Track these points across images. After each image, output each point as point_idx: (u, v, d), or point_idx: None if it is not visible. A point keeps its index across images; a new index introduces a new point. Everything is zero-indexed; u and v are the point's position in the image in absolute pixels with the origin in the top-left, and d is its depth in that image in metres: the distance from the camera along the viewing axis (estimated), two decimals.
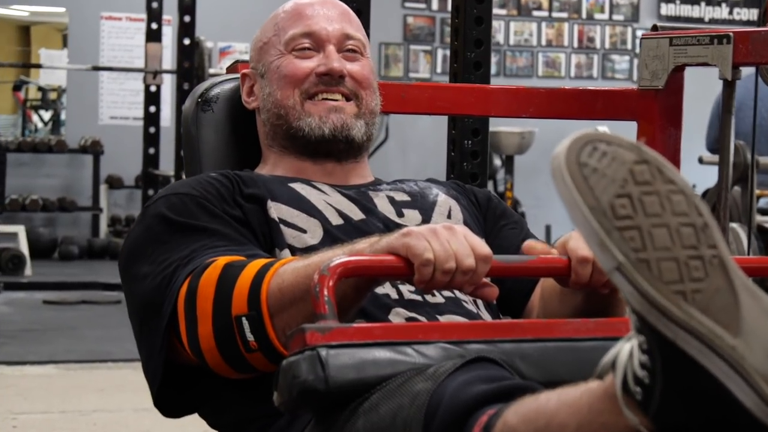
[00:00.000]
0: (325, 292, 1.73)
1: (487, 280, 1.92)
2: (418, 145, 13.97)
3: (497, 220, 2.53)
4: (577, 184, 1.25)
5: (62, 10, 13.60)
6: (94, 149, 13.15)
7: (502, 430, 1.46)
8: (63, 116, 13.91)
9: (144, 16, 10.79)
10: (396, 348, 1.76)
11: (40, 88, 14.46)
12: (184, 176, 2.66)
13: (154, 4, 10.59)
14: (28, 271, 10.81)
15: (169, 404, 2.23)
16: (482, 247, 1.87)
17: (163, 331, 2.09)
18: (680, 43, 2.73)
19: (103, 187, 13.21)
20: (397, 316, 2.16)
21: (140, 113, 11.19)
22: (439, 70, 15.25)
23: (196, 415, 2.39)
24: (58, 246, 12.69)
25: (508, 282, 2.27)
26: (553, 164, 1.27)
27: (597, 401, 1.35)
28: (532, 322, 2.18)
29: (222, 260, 2.04)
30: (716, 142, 9.55)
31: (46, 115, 14.28)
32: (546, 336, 1.89)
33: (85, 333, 8.57)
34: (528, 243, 2.06)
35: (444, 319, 2.21)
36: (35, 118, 14.29)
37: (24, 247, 11.09)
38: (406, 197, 2.44)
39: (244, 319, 1.96)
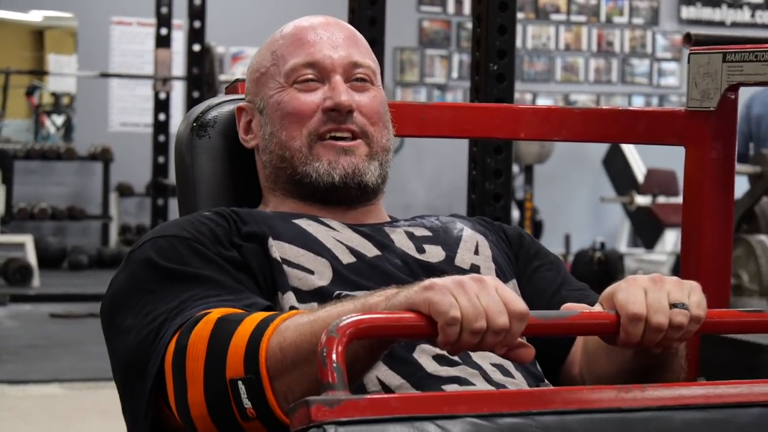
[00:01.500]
0: (334, 358, 1.44)
1: (522, 338, 1.66)
2: (433, 152, 13.70)
3: (530, 260, 2.29)
4: None
5: (71, 15, 13.55)
6: (104, 157, 13.10)
7: None
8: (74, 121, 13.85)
9: (154, 21, 10.66)
10: (416, 425, 1.47)
11: (53, 94, 14.35)
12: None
13: (164, 9, 10.45)
14: (36, 282, 10.65)
15: None
16: (517, 302, 1.58)
17: (147, 394, 1.87)
18: (735, 59, 2.47)
19: (113, 195, 13.14)
20: (423, 353, 1.96)
21: (151, 120, 11.04)
22: (455, 75, 15.08)
23: None
24: (67, 256, 12.60)
25: (550, 340, 2.07)
26: None
27: None
28: (576, 388, 1.87)
29: (215, 313, 1.80)
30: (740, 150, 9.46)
31: (59, 120, 14.16)
32: (592, 407, 1.59)
33: (92, 349, 8.30)
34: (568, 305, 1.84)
35: (482, 361, 1.99)
36: (48, 123, 14.14)
37: (32, 258, 10.93)
38: (427, 232, 2.21)
39: (240, 382, 1.72)
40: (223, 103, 2.40)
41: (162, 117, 10.39)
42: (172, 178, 10.96)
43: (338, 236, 2.09)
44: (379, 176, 2.16)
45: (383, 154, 2.19)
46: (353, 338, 1.49)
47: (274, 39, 2.25)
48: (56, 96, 14.31)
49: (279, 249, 2.01)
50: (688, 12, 15.67)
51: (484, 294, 1.58)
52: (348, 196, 2.15)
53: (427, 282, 1.59)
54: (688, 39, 2.66)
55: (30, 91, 14.30)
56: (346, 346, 1.48)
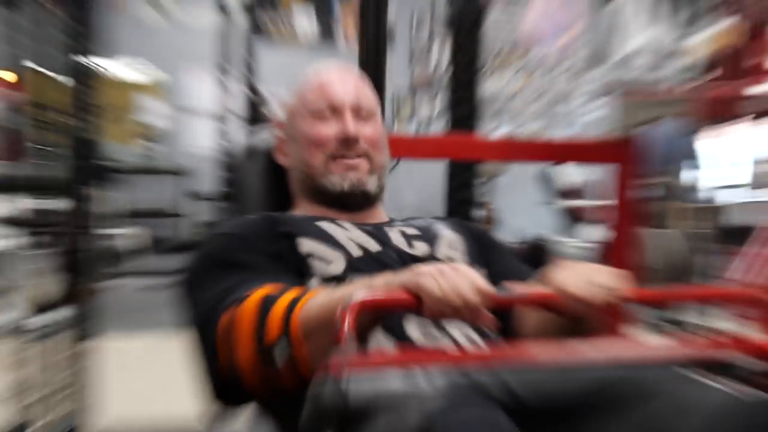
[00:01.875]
0: (346, 327, 1.59)
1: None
2: (420, 169, 13.58)
3: (491, 250, 2.35)
4: None
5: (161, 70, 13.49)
6: (183, 171, 12.99)
7: None
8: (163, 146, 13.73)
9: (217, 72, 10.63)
10: (407, 374, 1.61)
11: (147, 124, 14.21)
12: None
13: (226, 65, 10.37)
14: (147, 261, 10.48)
15: (225, 396, 2.09)
16: (483, 284, 1.70)
17: (209, 353, 1.99)
18: (651, 102, 2.46)
19: (189, 201, 13.05)
20: (413, 326, 2.00)
21: (214, 145, 11.00)
22: (437, 112, 14.97)
23: None
24: (162, 241, 12.52)
25: (504, 312, 2.17)
26: None
27: None
28: (525, 347, 2.00)
29: (258, 293, 1.89)
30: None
31: (151, 144, 14.01)
32: (538, 361, 1.71)
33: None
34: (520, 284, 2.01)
35: (454, 330, 2.06)
36: (145, 146, 13.99)
37: (138, 245, 10.90)
38: (415, 231, 2.28)
39: (276, 345, 1.80)
40: (265, 135, 2.50)
41: (224, 143, 10.36)
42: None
43: (349, 234, 2.15)
44: (377, 186, 2.27)
45: (380, 170, 2.29)
46: (361, 312, 1.62)
47: (302, 86, 2.33)
48: (149, 126, 14.18)
49: (305, 245, 2.09)
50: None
51: (459, 278, 1.68)
52: (354, 202, 2.25)
53: (417, 269, 1.72)
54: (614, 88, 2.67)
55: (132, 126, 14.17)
56: (356, 319, 1.60)
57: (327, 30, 13.61)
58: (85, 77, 3.63)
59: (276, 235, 2.11)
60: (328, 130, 2.23)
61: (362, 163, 2.24)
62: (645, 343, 1.95)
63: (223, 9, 10.53)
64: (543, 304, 1.91)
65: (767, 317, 2.08)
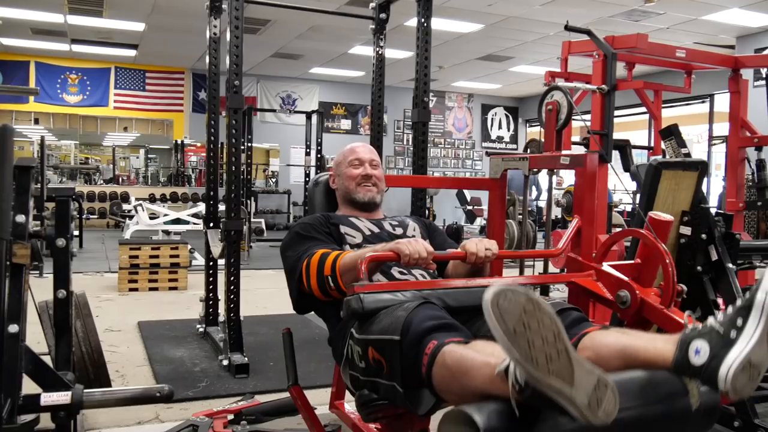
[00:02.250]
0: (363, 268, 1.64)
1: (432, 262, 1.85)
2: (399, 191, 13.61)
3: (434, 233, 2.20)
4: (497, 319, 1.04)
5: (277, 144, 13.30)
6: (288, 192, 12.78)
7: (441, 364, 1.32)
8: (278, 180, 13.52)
9: (304, 146, 10.49)
10: (392, 293, 1.64)
11: (272, 171, 13.96)
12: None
13: (309, 146, 10.24)
14: (265, 235, 10.35)
15: (299, 309, 2.02)
16: (430, 248, 1.72)
17: (297, 280, 1.89)
18: (507, 159, 2.30)
19: (291, 206, 12.84)
20: (395, 269, 1.95)
21: (303, 179, 10.84)
22: (408, 162, 14.84)
23: None
24: (275, 226, 12.30)
25: (440, 262, 2.05)
26: (484, 306, 1.05)
27: (493, 374, 1.16)
28: (451, 279, 1.92)
29: (320, 251, 1.86)
30: None
31: (272, 180, 13.79)
32: (456, 286, 1.73)
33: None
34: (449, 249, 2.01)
35: (414, 271, 1.97)
36: (272, 181, 13.75)
37: (263, 226, 10.68)
38: (396, 223, 2.15)
39: (329, 277, 1.79)
40: (322, 175, 2.35)
41: (308, 179, 10.24)
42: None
43: (364, 224, 2.06)
44: (380, 200, 2.14)
45: (382, 192, 2.16)
46: (369, 262, 1.66)
47: (344, 150, 2.22)
48: (273, 171, 13.97)
49: (343, 229, 2.00)
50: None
51: (418, 245, 1.69)
52: (369, 207, 2.12)
53: (397, 240, 1.72)
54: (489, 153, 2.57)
55: (264, 170, 13.97)
56: (368, 266, 1.65)
57: (356, 126, 13.52)
58: (247, 148, 3.57)
59: (329, 224, 2.03)
60: (357, 171, 2.15)
61: (373, 188, 2.15)
62: (508, 276, 1.81)
63: (308, 116, 10.49)
64: (458, 258, 1.81)
65: (569, 265, 1.99)
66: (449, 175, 13.77)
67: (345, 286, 1.75)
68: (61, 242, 1.58)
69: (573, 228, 1.99)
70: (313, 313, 2.02)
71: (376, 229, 2.09)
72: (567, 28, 4.20)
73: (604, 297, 1.86)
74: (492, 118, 15.07)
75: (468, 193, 12.02)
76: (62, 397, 1.51)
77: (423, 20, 3.71)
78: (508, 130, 15.19)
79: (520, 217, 3.17)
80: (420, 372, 1.36)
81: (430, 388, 1.35)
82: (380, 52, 4.34)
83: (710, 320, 1.22)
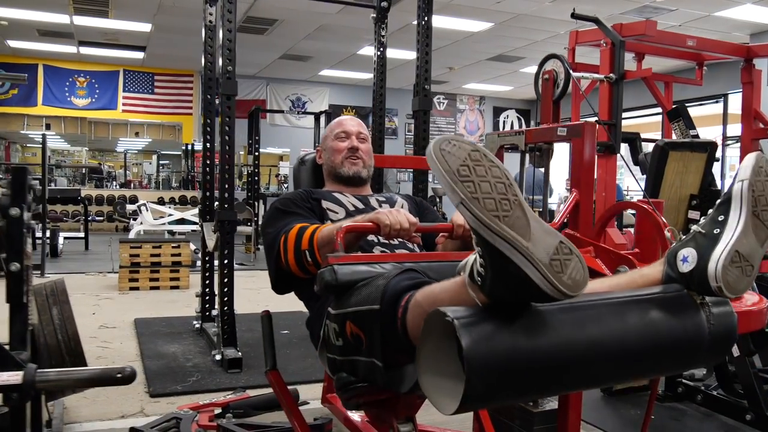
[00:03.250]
0: (339, 240, 1.52)
1: (417, 235, 1.65)
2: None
3: (424, 211, 2.08)
4: (438, 160, 0.97)
5: (288, 149, 13.26)
6: None
7: (413, 304, 1.21)
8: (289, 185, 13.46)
9: (314, 150, 10.39)
10: (370, 265, 1.49)
11: (283, 175, 13.87)
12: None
13: (316, 145, 10.14)
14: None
15: (278, 289, 1.89)
16: (412, 218, 1.60)
17: (275, 256, 1.76)
18: (503, 135, 2.18)
19: None
20: (376, 248, 1.83)
21: None
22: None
23: None
24: None
25: (427, 237, 1.91)
26: (427, 152, 0.99)
27: (458, 287, 1.07)
28: (433, 253, 1.80)
29: (298, 225, 1.73)
30: None
31: (284, 185, 13.69)
32: (440, 260, 1.57)
33: None
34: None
35: (397, 251, 1.85)
36: (284, 187, 13.66)
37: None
38: (383, 199, 2.03)
39: (306, 251, 1.67)
40: (309, 153, 2.24)
41: None
42: None
43: (348, 200, 1.94)
44: (367, 176, 2.03)
45: (370, 168, 2.05)
46: (346, 232, 1.54)
47: (331, 124, 2.12)
48: (282, 175, 13.89)
49: (325, 204, 1.88)
50: None
51: (399, 215, 1.57)
52: (355, 181, 2.01)
53: (377, 210, 1.61)
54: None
55: (276, 175, 13.85)
56: (344, 236, 1.53)
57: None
58: (255, 149, 3.46)
59: (311, 199, 1.90)
60: (343, 144, 2.03)
61: (359, 161, 2.02)
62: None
63: (317, 118, 10.41)
64: (444, 230, 1.70)
65: None
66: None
67: (323, 260, 1.64)
68: (14, 211, 1.47)
69: (570, 203, 1.86)
70: None
71: (360, 205, 1.97)
72: (574, 16, 4.08)
73: (603, 274, 1.73)
74: (504, 121, 14.91)
75: None
76: (13, 377, 1.40)
77: (421, 2, 3.60)
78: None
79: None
80: (397, 332, 1.24)
81: (407, 339, 1.21)
82: (383, 41, 4.23)
83: (693, 227, 1.16)
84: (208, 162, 4.10)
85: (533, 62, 11.08)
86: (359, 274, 1.46)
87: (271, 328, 1.91)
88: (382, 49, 4.27)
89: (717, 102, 10.66)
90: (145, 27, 9.18)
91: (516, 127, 15.03)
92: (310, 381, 3.07)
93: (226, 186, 3.44)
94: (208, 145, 4.07)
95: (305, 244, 1.67)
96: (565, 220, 1.94)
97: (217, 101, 3.40)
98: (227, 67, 3.35)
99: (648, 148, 5.21)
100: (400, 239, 1.89)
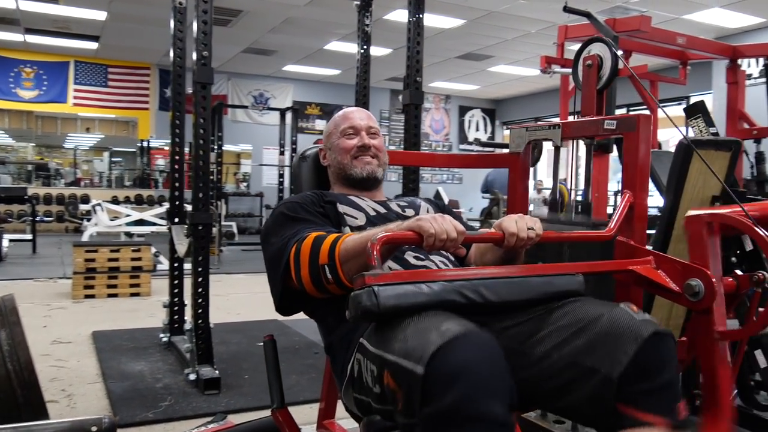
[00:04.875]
0: (375, 253, 1.19)
1: (461, 246, 1.35)
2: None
3: (449, 215, 1.70)
4: None
5: (249, 146, 12.83)
6: (260, 195, 12.30)
7: None
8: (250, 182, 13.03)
9: (278, 147, 10.03)
10: (416, 285, 1.21)
11: (243, 173, 13.43)
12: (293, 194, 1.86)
13: (282, 145, 9.80)
14: (237, 238, 9.81)
15: (283, 310, 1.56)
16: (460, 226, 1.29)
17: (282, 272, 1.46)
18: (532, 129, 1.93)
19: (263, 210, 12.34)
20: (409, 255, 1.54)
21: (277, 180, 10.38)
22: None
23: None
24: (247, 229, 11.75)
25: None
26: None
27: None
28: (486, 267, 1.48)
29: (313, 234, 1.44)
30: (484, 188, 8.95)
31: (243, 183, 13.26)
32: (494, 275, 1.32)
33: (259, 262, 7.61)
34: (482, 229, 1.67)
35: (433, 257, 1.59)
36: (243, 185, 13.19)
37: (235, 229, 10.14)
38: (405, 203, 1.75)
39: (326, 266, 1.38)
40: (311, 148, 1.92)
41: (282, 180, 9.78)
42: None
43: (367, 204, 1.66)
44: (382, 175, 1.74)
45: (384, 165, 1.76)
46: (383, 244, 1.23)
47: (335, 118, 1.81)
48: (244, 174, 13.46)
49: (342, 208, 1.58)
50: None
51: (445, 223, 1.27)
52: (369, 184, 1.71)
53: (418, 217, 1.31)
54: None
55: (235, 173, 13.43)
56: (381, 248, 1.21)
57: None
58: (217, 147, 3.16)
59: (323, 202, 1.61)
60: (352, 142, 1.74)
61: (373, 161, 1.73)
62: (553, 264, 1.44)
63: (282, 114, 10.06)
64: (494, 241, 1.40)
65: (619, 250, 1.62)
66: (426, 177, 13.40)
67: (347, 277, 1.35)
68: None
69: (623, 206, 1.61)
70: (293, 316, 1.63)
71: (382, 209, 1.67)
72: (566, 9, 3.85)
73: (668, 288, 1.49)
74: (469, 120, 14.77)
75: (445, 196, 11.68)
76: None
77: None
78: (485, 133, 14.89)
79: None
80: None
81: None
82: (367, 32, 3.95)
83: None
84: (177, 159, 3.75)
85: (502, 61, 10.94)
86: (405, 298, 1.18)
87: (276, 356, 1.62)
88: (366, 41, 4.00)
89: (679, 104, 10.70)
90: (100, 15, 8.64)
91: (481, 127, 14.90)
92: (298, 402, 2.77)
93: (200, 185, 3.10)
94: (177, 140, 3.71)
95: (324, 257, 1.38)
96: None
97: (189, 90, 3.06)
98: (202, 52, 3.01)
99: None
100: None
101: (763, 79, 6.49)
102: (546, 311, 1.31)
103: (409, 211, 1.73)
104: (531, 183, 9.04)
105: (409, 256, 1.53)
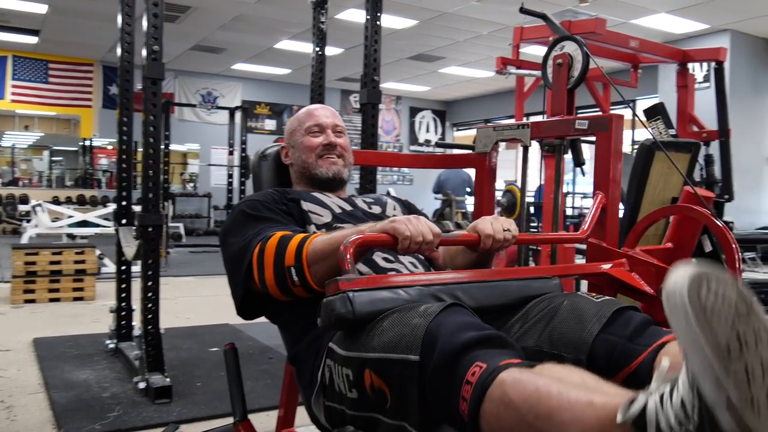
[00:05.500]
0: (348, 257, 1.13)
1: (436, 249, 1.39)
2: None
3: (414, 212, 1.75)
4: (698, 319, 0.57)
5: (197, 146, 12.53)
6: (208, 195, 12.00)
7: (501, 400, 0.83)
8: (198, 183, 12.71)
9: (226, 147, 9.80)
10: (392, 290, 1.16)
11: (189, 173, 13.16)
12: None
13: (232, 144, 9.60)
14: (184, 240, 9.57)
15: (245, 313, 1.47)
16: (436, 228, 1.24)
17: (244, 273, 1.38)
18: (500, 129, 1.88)
19: (212, 211, 12.05)
20: (378, 257, 1.46)
21: (226, 181, 10.14)
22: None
23: None
24: (194, 231, 11.42)
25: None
26: (673, 301, 0.60)
27: (603, 424, 0.71)
28: (462, 272, 1.38)
29: (278, 234, 1.36)
30: (436, 189, 8.94)
31: (190, 184, 12.96)
32: (473, 280, 1.27)
33: (207, 265, 7.41)
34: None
35: (403, 259, 1.50)
36: (189, 186, 12.92)
37: (182, 231, 9.88)
38: (371, 200, 1.68)
39: (292, 268, 1.30)
40: (272, 146, 1.83)
41: (232, 181, 9.57)
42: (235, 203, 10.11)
43: (332, 201, 1.56)
44: (347, 175, 1.66)
45: (349, 165, 1.67)
46: (357, 247, 1.16)
47: (298, 115, 1.71)
48: (191, 174, 13.16)
49: (306, 205, 1.49)
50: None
51: (421, 225, 1.22)
52: (334, 184, 1.62)
53: (392, 218, 1.24)
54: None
55: (181, 174, 13.10)
56: (355, 251, 1.15)
57: (281, 126, 12.86)
58: (165, 148, 3.02)
59: (286, 200, 1.52)
60: (317, 140, 1.65)
61: (339, 161, 1.65)
62: (523, 267, 1.38)
63: (231, 113, 9.86)
64: (468, 243, 1.35)
65: (591, 253, 1.58)
66: (377, 177, 13.32)
67: (314, 280, 1.27)
68: None
69: (595, 207, 1.58)
70: (246, 321, 1.54)
71: (348, 207, 1.60)
72: (522, 11, 3.84)
73: (642, 290, 1.47)
74: (420, 122, 14.80)
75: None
76: None
77: None
78: (436, 134, 14.94)
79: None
80: (455, 409, 0.90)
81: (475, 428, 0.87)
82: (323, 29, 3.87)
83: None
84: (124, 158, 3.58)
85: (453, 62, 10.99)
86: (381, 303, 1.12)
87: (238, 365, 1.53)
88: (321, 39, 3.91)
89: (626, 107, 10.93)
90: (40, 8, 8.26)
91: (432, 128, 14.95)
92: (254, 410, 2.66)
93: (150, 185, 2.96)
94: (125, 137, 3.55)
95: (291, 258, 1.30)
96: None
97: (138, 87, 2.92)
98: (153, 46, 2.87)
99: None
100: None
101: (706, 84, 6.71)
102: (522, 315, 1.27)
103: (376, 209, 1.66)
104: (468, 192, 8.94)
105: (378, 258, 1.46)
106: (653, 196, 2.63)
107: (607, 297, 1.26)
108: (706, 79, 6.96)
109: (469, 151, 2.07)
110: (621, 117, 1.61)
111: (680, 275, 0.61)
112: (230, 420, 2.72)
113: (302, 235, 1.35)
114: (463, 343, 0.93)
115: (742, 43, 8.59)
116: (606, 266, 1.46)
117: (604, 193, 1.61)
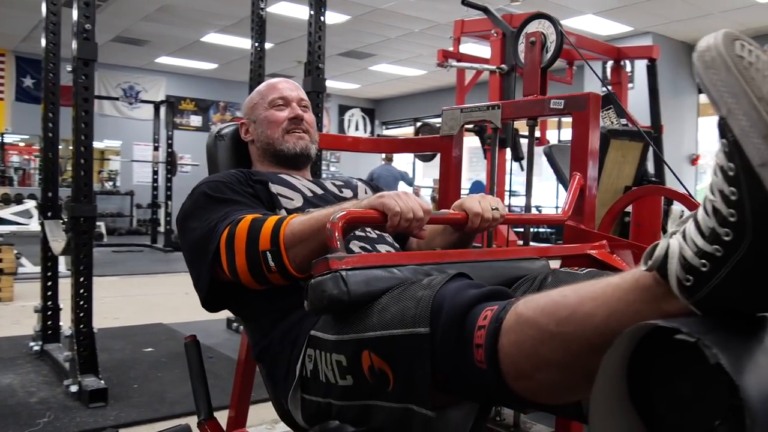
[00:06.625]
0: (337, 234, 1.04)
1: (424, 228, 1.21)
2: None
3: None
4: (743, 75, 0.52)
5: (119, 142, 11.98)
6: (131, 193, 11.51)
7: (517, 321, 0.76)
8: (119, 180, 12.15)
9: (151, 143, 9.41)
10: (386, 269, 1.04)
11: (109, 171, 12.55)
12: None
13: (157, 140, 9.22)
14: (105, 239, 9.13)
15: (210, 305, 1.33)
16: (426, 205, 1.17)
17: (210, 261, 1.24)
18: (468, 111, 1.81)
19: (134, 209, 11.54)
20: (354, 245, 1.36)
21: (150, 178, 9.73)
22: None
23: None
24: (116, 230, 10.92)
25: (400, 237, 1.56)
26: (709, 56, 0.55)
27: (628, 293, 0.66)
28: (451, 251, 1.30)
29: (249, 216, 1.23)
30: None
31: (114, 178, 12.40)
32: (463, 260, 1.18)
33: (131, 264, 7.06)
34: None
35: (379, 247, 1.40)
36: (108, 184, 12.33)
37: (103, 230, 9.42)
38: (341, 183, 1.59)
39: (268, 253, 1.17)
40: (229, 125, 1.70)
41: (156, 177, 9.18)
42: (158, 200, 9.69)
43: (302, 183, 1.45)
44: (314, 152, 1.56)
45: (315, 143, 1.57)
46: (346, 224, 1.08)
47: (259, 89, 1.61)
48: (109, 173, 12.60)
49: (274, 188, 1.37)
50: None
51: (411, 200, 1.15)
52: (300, 161, 1.52)
53: (381, 194, 1.15)
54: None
55: (99, 172, 12.45)
56: (343, 228, 1.06)
57: (207, 123, 12.47)
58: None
59: (252, 182, 1.39)
60: (282, 114, 1.53)
61: (306, 136, 1.54)
62: (509, 248, 1.33)
63: (156, 107, 9.48)
64: (456, 221, 1.28)
65: (569, 235, 1.55)
66: None
67: (293, 265, 1.15)
68: None
69: (573, 188, 1.54)
70: (180, 319, 1.41)
71: (318, 190, 1.49)
72: (464, 3, 3.83)
73: (624, 271, 1.44)
74: (349, 119, 14.70)
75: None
76: None
77: None
78: (365, 132, 14.89)
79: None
80: (470, 366, 0.81)
81: (495, 374, 0.78)
82: (262, 16, 3.73)
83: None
84: (50, 159, 3.33)
85: (384, 60, 10.96)
86: (377, 282, 1.01)
87: (201, 359, 1.40)
88: (260, 26, 3.78)
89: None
90: None
91: (361, 126, 14.89)
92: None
93: (82, 174, 2.74)
94: (51, 124, 3.29)
95: (265, 242, 1.17)
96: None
97: (68, 68, 2.69)
98: (84, 25, 2.66)
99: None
100: (379, 232, 1.46)
101: (630, 85, 6.93)
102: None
103: (347, 192, 1.56)
104: (410, 188, 9.06)
105: (354, 246, 1.36)
106: (607, 184, 2.64)
107: (592, 269, 1.22)
108: (630, 79, 7.20)
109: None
110: (598, 96, 1.57)
111: (712, 36, 0.58)
112: (172, 423, 2.57)
113: (277, 217, 1.23)
114: (471, 298, 0.84)
115: (663, 46, 8.94)
116: (591, 250, 1.42)
117: (582, 174, 1.57)
